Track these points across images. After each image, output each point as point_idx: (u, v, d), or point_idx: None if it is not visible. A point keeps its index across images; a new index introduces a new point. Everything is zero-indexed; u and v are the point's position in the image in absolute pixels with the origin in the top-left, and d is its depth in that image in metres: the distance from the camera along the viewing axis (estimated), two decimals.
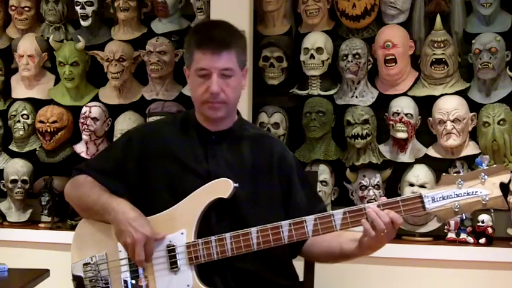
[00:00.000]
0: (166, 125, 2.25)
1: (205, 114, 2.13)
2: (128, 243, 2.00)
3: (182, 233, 2.04)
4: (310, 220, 1.98)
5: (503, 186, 1.88)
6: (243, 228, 2.00)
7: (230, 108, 2.14)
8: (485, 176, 1.89)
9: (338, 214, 1.97)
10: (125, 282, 2.08)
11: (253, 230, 1.99)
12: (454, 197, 1.90)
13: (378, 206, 1.95)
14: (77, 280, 2.14)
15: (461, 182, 1.90)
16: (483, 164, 1.89)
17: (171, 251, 2.04)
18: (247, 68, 2.18)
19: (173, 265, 2.03)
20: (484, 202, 1.88)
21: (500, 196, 1.88)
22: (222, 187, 2.04)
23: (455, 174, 1.93)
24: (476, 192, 1.89)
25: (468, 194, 1.89)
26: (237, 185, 2.03)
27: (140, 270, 2.07)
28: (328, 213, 1.99)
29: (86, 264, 2.12)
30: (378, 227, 1.91)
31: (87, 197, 2.15)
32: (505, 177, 1.88)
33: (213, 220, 2.06)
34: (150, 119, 3.51)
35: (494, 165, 1.91)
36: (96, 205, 2.11)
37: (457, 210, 1.90)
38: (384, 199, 1.98)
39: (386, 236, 1.93)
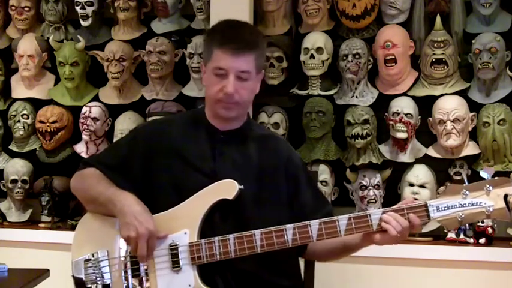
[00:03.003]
0: (173, 123, 2.25)
1: (217, 113, 2.13)
2: (132, 236, 2.00)
3: (185, 233, 2.04)
4: (314, 224, 1.99)
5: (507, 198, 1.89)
6: (247, 230, 2.00)
7: (242, 109, 2.16)
8: (490, 187, 1.90)
9: (343, 219, 1.98)
10: (126, 279, 2.08)
11: (257, 232, 2.00)
12: (459, 207, 1.92)
13: (383, 213, 1.96)
14: (77, 277, 2.13)
15: (466, 192, 1.92)
16: (488, 175, 1.90)
17: (173, 250, 2.04)
18: (263, 72, 2.19)
19: (175, 264, 2.03)
20: (487, 213, 1.90)
21: (504, 208, 1.89)
22: (227, 188, 2.04)
23: (460, 184, 1.94)
24: (480, 203, 1.91)
25: (473, 204, 1.91)
26: (242, 186, 2.04)
27: (142, 269, 2.07)
28: (333, 218, 2.00)
29: (86, 260, 2.12)
30: (396, 229, 1.93)
31: (94, 188, 2.14)
32: (509, 189, 1.90)
33: (216, 221, 2.06)
34: (150, 119, 3.51)
35: (498, 177, 1.93)
36: (103, 197, 2.10)
37: (461, 220, 1.92)
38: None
39: (401, 237, 1.96)
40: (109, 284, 2.09)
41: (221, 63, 2.07)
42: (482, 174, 1.93)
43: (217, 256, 2.01)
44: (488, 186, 1.90)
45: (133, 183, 2.14)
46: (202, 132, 2.17)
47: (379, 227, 1.96)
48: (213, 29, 2.22)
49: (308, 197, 2.18)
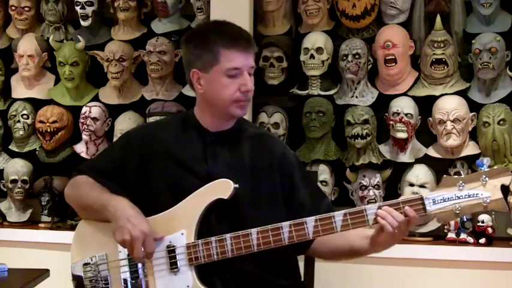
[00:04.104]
0: (166, 126, 2.25)
1: (231, 113, 2.11)
2: (127, 240, 1.99)
3: (182, 234, 2.04)
4: (310, 221, 1.98)
5: (504, 188, 1.88)
6: (243, 229, 2.00)
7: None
8: (487, 178, 1.88)
9: (339, 216, 1.97)
10: (125, 282, 2.08)
11: (254, 231, 1.99)
12: (455, 199, 1.90)
13: (379, 207, 1.95)
14: (77, 280, 2.14)
15: (463, 184, 1.90)
16: (484, 166, 1.89)
17: (171, 251, 2.04)
18: None
19: (173, 266, 2.03)
20: (484, 204, 1.88)
21: (501, 198, 1.87)
22: (222, 188, 2.04)
23: (456, 176, 1.92)
24: (477, 194, 1.88)
25: (469, 196, 1.89)
26: (237, 185, 2.03)
27: (140, 271, 2.07)
28: (329, 215, 1.99)
29: (85, 264, 2.12)
30: (392, 225, 1.92)
31: (87, 195, 2.15)
32: (506, 179, 1.87)
33: (213, 221, 2.06)
34: (150, 119, 3.51)
35: (495, 167, 1.91)
36: (96, 203, 2.10)
37: (457, 212, 1.90)
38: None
39: (400, 233, 1.94)
40: (108, 287, 2.10)
41: (236, 63, 2.04)
42: (477, 164, 1.92)
43: (215, 256, 2.01)
44: (484, 177, 1.88)
45: (126, 188, 2.13)
46: (193, 134, 2.16)
47: (375, 222, 1.96)
48: (210, 31, 2.12)
49: (304, 195, 2.16)
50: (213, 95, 2.10)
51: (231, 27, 2.13)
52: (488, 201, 1.88)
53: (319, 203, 2.17)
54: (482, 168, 1.90)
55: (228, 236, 2.00)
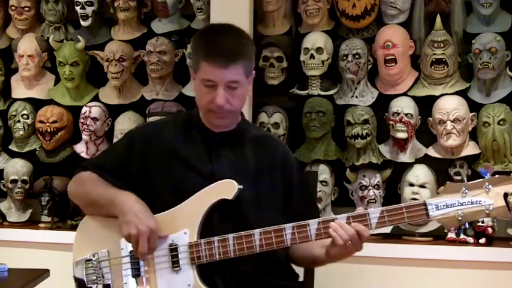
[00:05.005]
0: (169, 125, 2.25)
1: (209, 120, 2.13)
2: (133, 234, 2.00)
3: (185, 233, 2.04)
4: (313, 224, 1.99)
5: (507, 197, 1.88)
6: (246, 229, 2.01)
7: (237, 114, 2.16)
8: (490, 186, 1.89)
9: (342, 218, 1.98)
10: (126, 279, 2.08)
11: (256, 232, 2.00)
12: (458, 206, 1.91)
13: (382, 212, 1.95)
14: (78, 277, 2.14)
15: (466, 190, 1.91)
16: (487, 174, 1.90)
17: (173, 250, 2.04)
18: (254, 73, 2.15)
19: (175, 264, 2.03)
20: (487, 212, 1.90)
21: (503, 206, 1.88)
22: (227, 188, 2.04)
23: (459, 183, 1.93)
24: (480, 201, 1.90)
25: (472, 203, 1.90)
26: (241, 186, 2.04)
27: (142, 269, 2.07)
28: (332, 217, 1.99)
29: (87, 260, 2.12)
30: (343, 238, 1.93)
31: (93, 191, 2.15)
32: (509, 188, 1.89)
33: (215, 221, 2.06)
34: (150, 119, 3.51)
35: (498, 176, 1.92)
36: (102, 198, 2.11)
37: (460, 218, 1.91)
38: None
39: (353, 246, 1.95)
40: (109, 284, 2.10)
41: (209, 76, 2.04)
42: (480, 172, 1.93)
43: (217, 256, 2.01)
44: (487, 184, 1.89)
45: (130, 185, 2.13)
46: (197, 134, 2.17)
47: (379, 226, 1.96)
48: (198, 36, 2.14)
49: (295, 200, 2.17)
50: (196, 97, 2.14)
51: (216, 39, 2.07)
52: (491, 208, 1.89)
53: (305, 213, 2.14)
54: (485, 177, 1.91)
55: (230, 236, 2.00)
